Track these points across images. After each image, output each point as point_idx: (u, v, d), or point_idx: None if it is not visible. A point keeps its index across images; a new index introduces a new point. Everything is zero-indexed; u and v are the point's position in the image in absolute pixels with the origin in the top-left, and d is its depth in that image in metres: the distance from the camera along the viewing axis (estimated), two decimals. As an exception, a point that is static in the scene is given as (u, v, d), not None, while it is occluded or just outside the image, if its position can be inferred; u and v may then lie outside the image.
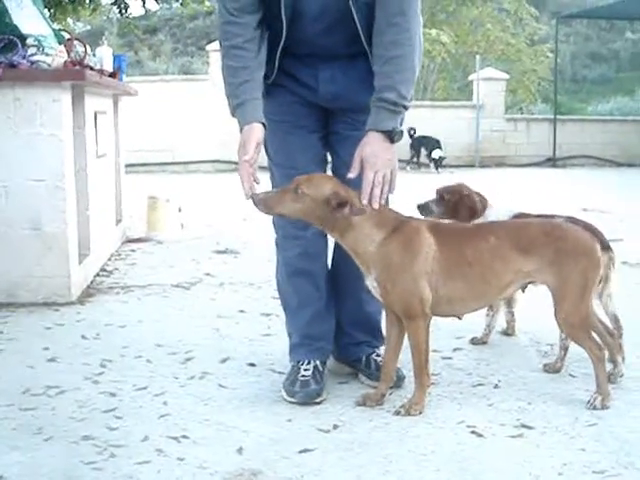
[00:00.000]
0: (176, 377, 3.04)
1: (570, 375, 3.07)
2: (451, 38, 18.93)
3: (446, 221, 2.79)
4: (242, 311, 4.05)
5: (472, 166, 15.28)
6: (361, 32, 2.58)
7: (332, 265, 2.96)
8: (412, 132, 13.59)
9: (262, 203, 2.52)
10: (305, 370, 2.80)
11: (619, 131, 16.21)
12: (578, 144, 15.85)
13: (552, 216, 3.11)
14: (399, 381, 2.87)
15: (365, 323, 3.00)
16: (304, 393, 2.72)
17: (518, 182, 12.05)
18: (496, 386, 2.93)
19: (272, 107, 2.72)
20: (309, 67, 2.71)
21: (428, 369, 2.66)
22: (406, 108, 2.57)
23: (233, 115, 2.62)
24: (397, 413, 2.63)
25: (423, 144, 14.01)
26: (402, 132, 2.58)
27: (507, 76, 16.75)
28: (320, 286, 2.88)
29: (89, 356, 3.31)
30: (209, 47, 14.64)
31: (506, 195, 9.52)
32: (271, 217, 2.85)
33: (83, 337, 3.59)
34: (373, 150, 2.52)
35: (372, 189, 2.50)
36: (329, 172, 2.86)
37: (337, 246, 2.88)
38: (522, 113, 19.73)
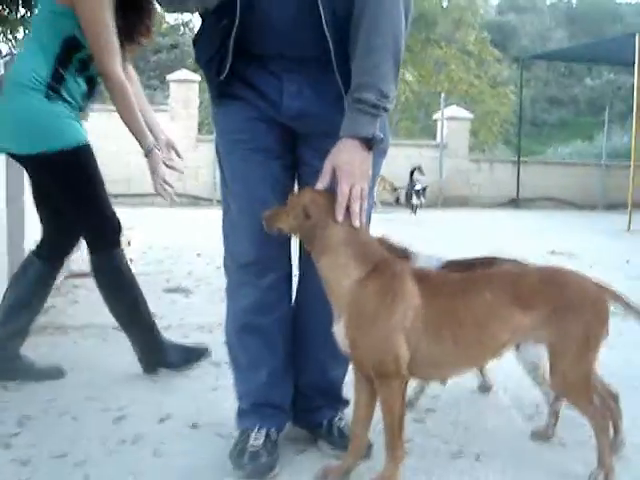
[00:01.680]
0: (104, 441, 2.58)
1: (560, 444, 2.67)
2: (415, 77, 18.87)
3: (434, 270, 2.39)
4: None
5: (435, 206, 15.03)
6: (324, 19, 2.11)
7: (295, 321, 2.52)
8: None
9: (266, 221, 2.19)
10: (255, 439, 2.36)
11: (581, 174, 16.17)
12: (541, 186, 15.75)
13: (491, 260, 2.76)
14: (367, 449, 2.45)
15: (328, 388, 2.58)
16: (253, 467, 2.29)
17: (483, 223, 11.81)
18: (478, 458, 2.53)
19: (227, 124, 2.31)
20: (272, 76, 2.27)
21: (402, 439, 2.24)
22: (387, 110, 2.13)
23: None
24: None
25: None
26: (382, 139, 2.15)
27: (471, 115, 16.65)
28: (274, 344, 2.44)
29: (5, 412, 2.84)
30: (169, 77, 14.32)
31: (472, 236, 9.26)
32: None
33: (4, 387, 3.12)
34: (349, 159, 2.07)
35: (350, 204, 2.08)
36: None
37: (302, 299, 2.49)
38: (484, 154, 19.66)
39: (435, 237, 9.04)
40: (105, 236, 3.16)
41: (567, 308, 2.22)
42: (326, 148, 2.16)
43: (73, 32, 2.91)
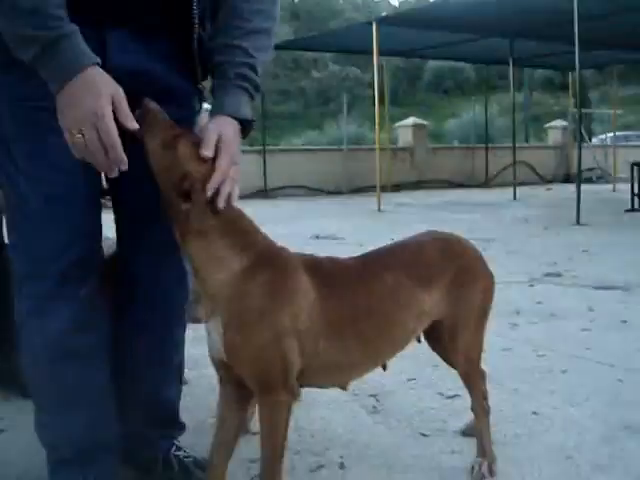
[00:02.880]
0: None
1: (421, 434, 2.41)
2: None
3: (324, 257, 1.95)
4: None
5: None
6: None
7: (116, 332, 1.95)
8: None
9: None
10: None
11: (324, 160, 16.47)
12: (287, 174, 15.82)
13: None
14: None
15: (162, 412, 2.09)
16: None
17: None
18: (342, 465, 2.18)
19: (25, 87, 1.67)
20: (93, 26, 1.67)
21: (282, 472, 1.79)
22: (258, 91, 1.82)
23: (41, 58, 1.52)
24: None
25: None
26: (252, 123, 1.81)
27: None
28: (98, 370, 1.89)
29: None
30: None
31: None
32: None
33: None
34: (232, 136, 1.71)
35: (222, 184, 1.63)
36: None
37: (124, 303, 1.97)
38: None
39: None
40: None
41: (467, 276, 1.98)
42: None
43: None
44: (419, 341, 2.07)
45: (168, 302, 2.00)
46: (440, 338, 2.05)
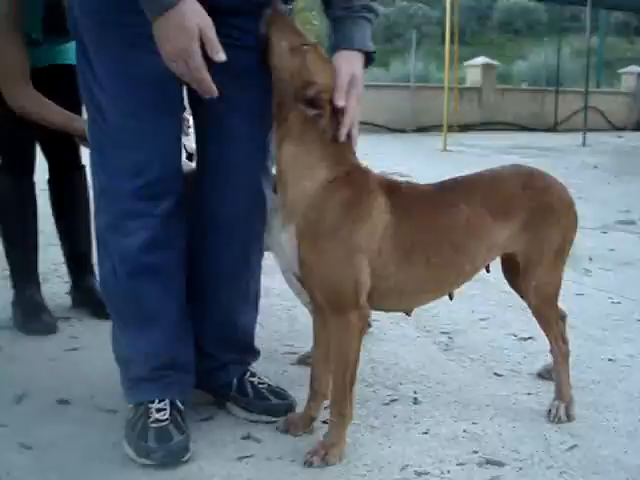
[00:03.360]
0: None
1: (495, 374, 2.38)
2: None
3: (404, 181, 1.94)
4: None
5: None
6: None
7: (191, 255, 1.96)
8: None
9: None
10: (159, 412, 1.82)
11: (390, 97, 16.19)
12: (352, 112, 15.61)
13: None
14: (288, 410, 2.02)
15: (237, 337, 2.09)
16: (165, 451, 1.75)
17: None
18: (416, 401, 2.17)
19: (101, 1, 1.69)
20: None
21: (354, 393, 1.81)
22: None
23: None
24: (308, 464, 1.76)
25: None
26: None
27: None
28: (178, 289, 1.91)
29: None
30: None
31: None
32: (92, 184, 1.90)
33: None
34: (360, 77, 1.77)
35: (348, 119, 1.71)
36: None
37: (199, 223, 1.96)
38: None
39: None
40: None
41: (547, 213, 1.94)
42: (238, 30, 1.78)
43: None
44: (488, 271, 2.04)
45: (246, 227, 1.99)
46: (516, 273, 2.02)
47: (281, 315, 2.98)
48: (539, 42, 20.29)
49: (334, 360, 1.79)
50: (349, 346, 1.75)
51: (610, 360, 2.51)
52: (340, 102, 1.69)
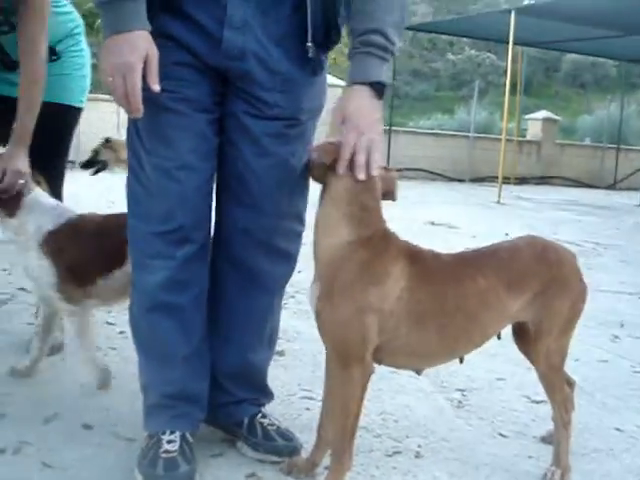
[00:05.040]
0: (-25, 451, 2.12)
1: (500, 435, 2.46)
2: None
3: (428, 250, 2.07)
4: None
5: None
6: None
7: (210, 295, 2.13)
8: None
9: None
10: (169, 443, 1.98)
11: (450, 146, 16.32)
12: (410, 157, 15.77)
13: None
14: (293, 452, 2.14)
15: (249, 376, 2.22)
16: (171, 478, 1.90)
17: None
18: (418, 454, 2.26)
19: None
20: (213, 1, 1.87)
21: (353, 443, 1.92)
22: (393, 55, 1.89)
23: (102, 9, 1.77)
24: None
25: None
26: (390, 86, 1.91)
27: (342, 82, 16.44)
28: (191, 327, 2.06)
29: None
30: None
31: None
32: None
33: None
34: (358, 107, 1.84)
35: (355, 155, 1.81)
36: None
37: (219, 268, 2.12)
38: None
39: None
40: None
41: (559, 285, 2.03)
42: (258, 96, 1.94)
43: None
44: (499, 338, 2.13)
45: (268, 279, 2.14)
46: (526, 339, 2.11)
47: (306, 360, 3.09)
48: (606, 97, 20.14)
49: (336, 411, 1.91)
50: (351, 399, 1.87)
51: (617, 430, 2.56)
52: (330, 139, 1.86)
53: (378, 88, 1.84)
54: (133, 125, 1.97)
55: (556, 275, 2.03)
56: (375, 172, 1.82)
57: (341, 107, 1.86)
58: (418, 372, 2.13)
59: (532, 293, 2.00)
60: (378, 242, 1.87)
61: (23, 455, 2.10)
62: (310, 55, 1.93)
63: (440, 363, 2.10)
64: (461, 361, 2.12)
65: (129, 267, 2.37)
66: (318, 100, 2.06)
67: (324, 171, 1.86)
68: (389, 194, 1.94)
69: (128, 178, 2.04)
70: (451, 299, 1.91)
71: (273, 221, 2.04)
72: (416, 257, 1.92)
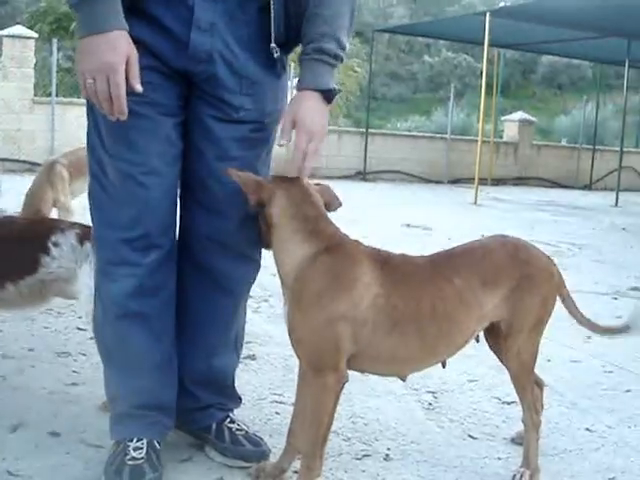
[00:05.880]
0: (-61, 460, 2.09)
1: (470, 437, 2.46)
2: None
3: (399, 254, 2.07)
4: (32, 349, 3.08)
5: (283, 177, 14.73)
6: None
7: (179, 297, 2.11)
8: None
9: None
10: (136, 450, 1.96)
11: (427, 148, 16.35)
12: (387, 159, 15.78)
13: None
14: (261, 457, 2.13)
15: (215, 381, 2.21)
16: None
17: (333, 195, 11.63)
18: (387, 457, 2.26)
19: None
20: (181, 3, 1.85)
21: (323, 450, 1.91)
22: (342, 61, 1.92)
23: (76, 10, 1.73)
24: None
25: None
26: (338, 91, 1.94)
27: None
28: (160, 334, 2.04)
29: None
30: (1, 32, 13.15)
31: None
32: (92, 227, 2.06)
33: None
34: (309, 112, 1.88)
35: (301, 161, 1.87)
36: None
37: (183, 273, 2.10)
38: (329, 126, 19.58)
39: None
40: None
41: (529, 283, 2.03)
42: (224, 100, 1.94)
43: None
44: (477, 341, 2.14)
45: (232, 282, 2.13)
46: (497, 338, 2.12)
47: (277, 364, 3.08)
48: (582, 98, 20.30)
49: (309, 417, 1.90)
50: (324, 406, 1.86)
51: (587, 430, 2.57)
52: (281, 142, 1.88)
53: (327, 94, 1.89)
54: (95, 130, 1.94)
55: (526, 273, 2.04)
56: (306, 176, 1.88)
57: (292, 111, 1.89)
58: (402, 378, 2.12)
59: (505, 291, 2.00)
60: (340, 250, 1.88)
61: (-13, 464, 2.07)
62: (275, 56, 1.94)
63: (423, 368, 2.09)
64: (443, 365, 2.12)
65: (41, 275, 2.43)
66: (280, 103, 2.06)
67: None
68: (331, 203, 1.98)
69: (90, 185, 2.01)
70: (428, 301, 1.91)
71: (237, 226, 2.03)
72: (386, 262, 1.92)
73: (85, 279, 2.44)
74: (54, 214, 4.67)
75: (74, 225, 2.60)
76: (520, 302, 2.03)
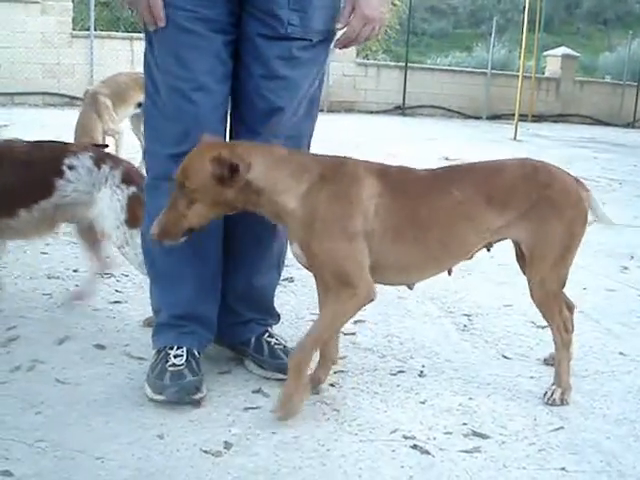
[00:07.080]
0: (-8, 368, 2.19)
1: (504, 357, 2.50)
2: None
3: (395, 166, 2.08)
4: (76, 270, 3.17)
5: (321, 111, 14.65)
6: None
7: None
8: None
9: (162, 235, 1.87)
10: (177, 357, 2.03)
11: (467, 83, 16.10)
12: (427, 94, 15.59)
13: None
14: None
15: (256, 298, 2.27)
16: (178, 387, 1.96)
17: (372, 129, 11.57)
18: (421, 374, 2.31)
19: None
20: None
21: (312, 353, 1.97)
22: None
23: None
24: (276, 416, 1.94)
25: None
26: None
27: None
28: (205, 249, 2.10)
29: None
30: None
31: (364, 141, 9.02)
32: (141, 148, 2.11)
33: None
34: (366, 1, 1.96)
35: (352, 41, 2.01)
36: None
37: None
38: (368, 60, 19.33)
39: (325, 140, 8.76)
40: None
41: (550, 207, 2.01)
42: (274, 15, 1.95)
43: None
44: (488, 250, 2.14)
45: None
46: (524, 263, 2.13)
47: (314, 286, 3.11)
48: (628, 34, 19.71)
49: (323, 317, 1.97)
50: (344, 314, 1.94)
51: (621, 354, 2.59)
52: (338, 25, 2.02)
53: None
54: (149, 49, 1.98)
55: (546, 196, 2.01)
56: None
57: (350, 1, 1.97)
58: (410, 287, 2.17)
59: (518, 212, 2.00)
60: (336, 172, 1.91)
61: (37, 372, 2.16)
62: None
63: (428, 276, 2.11)
64: (449, 273, 2.16)
65: (56, 199, 2.41)
66: (330, 23, 2.05)
67: (224, 185, 1.83)
68: None
69: (145, 103, 2.08)
70: (424, 211, 1.95)
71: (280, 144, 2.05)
72: (384, 173, 1.96)
73: (107, 202, 2.44)
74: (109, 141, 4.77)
75: (87, 148, 2.59)
76: (541, 226, 2.02)
